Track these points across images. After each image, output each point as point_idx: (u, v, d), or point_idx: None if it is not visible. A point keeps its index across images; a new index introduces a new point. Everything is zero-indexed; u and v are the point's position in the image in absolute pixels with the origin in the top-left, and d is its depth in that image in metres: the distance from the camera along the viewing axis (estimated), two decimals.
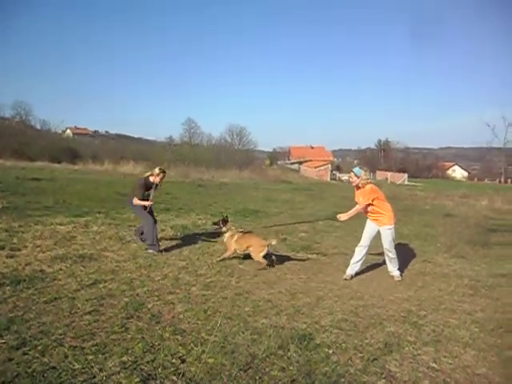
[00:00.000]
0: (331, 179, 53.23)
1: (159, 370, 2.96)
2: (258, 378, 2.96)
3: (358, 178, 5.89)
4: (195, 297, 4.66)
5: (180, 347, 3.34)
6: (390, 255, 6.08)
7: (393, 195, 22.19)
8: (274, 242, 6.37)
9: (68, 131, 71.78)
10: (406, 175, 54.92)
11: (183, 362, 3.13)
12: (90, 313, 3.92)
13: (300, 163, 66.67)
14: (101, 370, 2.90)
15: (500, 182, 69.00)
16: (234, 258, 6.41)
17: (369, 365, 3.28)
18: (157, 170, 6.73)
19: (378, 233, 6.00)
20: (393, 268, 6.18)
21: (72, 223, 8.00)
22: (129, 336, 3.49)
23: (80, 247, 6.37)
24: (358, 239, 9.12)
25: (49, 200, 11.00)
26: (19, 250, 5.96)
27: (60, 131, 59.51)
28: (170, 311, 4.16)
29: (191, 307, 4.30)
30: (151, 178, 6.73)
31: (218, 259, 6.30)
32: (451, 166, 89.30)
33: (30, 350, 3.10)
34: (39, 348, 3.15)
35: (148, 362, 3.06)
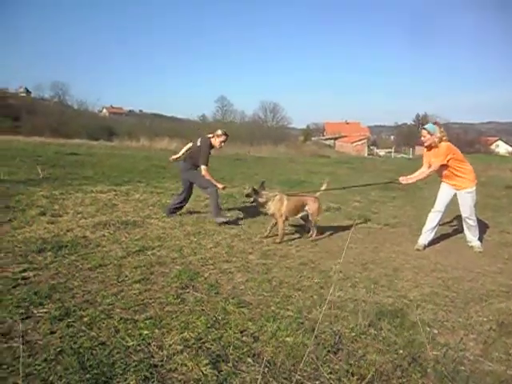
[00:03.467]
0: (368, 154, 51.77)
1: (230, 349, 2.39)
2: (353, 362, 2.35)
3: (432, 135, 5.05)
4: (255, 266, 4.08)
5: (249, 323, 2.77)
6: (470, 223, 5.29)
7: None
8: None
9: (104, 110, 72.66)
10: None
11: (256, 340, 2.55)
12: (139, 281, 3.41)
13: (335, 139, 64.87)
14: (160, 347, 2.36)
15: None
16: (288, 227, 5.80)
17: (488, 349, 2.60)
18: (219, 131, 5.87)
19: (454, 197, 5.22)
20: (472, 237, 5.40)
21: (113, 191, 7.60)
22: (187, 308, 2.94)
23: (123, 214, 5.92)
24: (418, 209, 8.38)
25: (88, 171, 10.72)
26: (60, 216, 5.57)
27: (96, 111, 60.28)
28: (228, 281, 3.60)
29: (252, 277, 3.72)
30: (212, 140, 5.89)
31: (278, 241, 5.09)
32: (495, 141, 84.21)
33: (74, 322, 2.61)
34: (85, 320, 2.65)
35: (214, 340, 2.50)
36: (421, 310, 3.18)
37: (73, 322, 2.60)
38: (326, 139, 67.35)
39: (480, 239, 5.51)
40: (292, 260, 4.37)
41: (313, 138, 67.60)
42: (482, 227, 6.56)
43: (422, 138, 5.19)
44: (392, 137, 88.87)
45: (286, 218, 5.32)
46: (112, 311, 2.81)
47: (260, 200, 5.18)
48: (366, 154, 51.04)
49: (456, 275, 4.17)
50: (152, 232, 5.11)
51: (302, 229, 5.72)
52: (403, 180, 5.28)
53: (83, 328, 2.53)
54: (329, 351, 2.45)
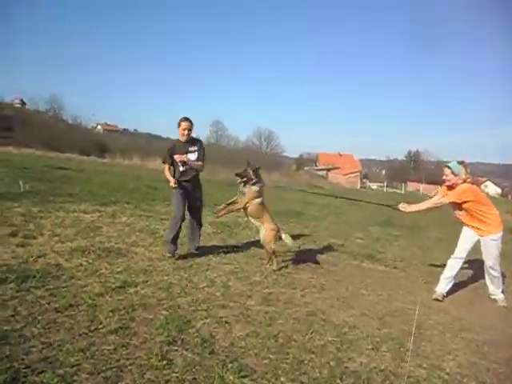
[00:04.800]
0: (361, 187, 51.83)
1: None
2: None
3: (456, 175, 4.56)
4: (255, 314, 3.44)
5: None
6: (494, 273, 4.75)
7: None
8: (286, 240, 5.12)
9: (99, 127, 72.10)
10: (439, 187, 52.36)
11: None
12: (116, 331, 2.75)
13: (328, 170, 64.94)
14: None
15: None
16: (290, 266, 5.22)
17: None
18: (179, 120, 4.95)
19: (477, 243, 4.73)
20: (495, 290, 4.84)
21: (98, 212, 6.94)
22: (174, 376, 2.29)
23: (106, 239, 5.26)
24: (425, 250, 7.85)
25: (74, 188, 10.03)
26: (34, 238, 4.90)
27: (90, 127, 59.66)
28: (226, 335, 2.96)
29: (254, 330, 3.09)
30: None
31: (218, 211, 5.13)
32: (484, 182, 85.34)
33: None
34: None
35: None
36: None
37: None
38: (319, 169, 67.38)
39: (502, 291, 4.96)
40: (298, 308, 3.74)
41: (305, 168, 67.63)
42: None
43: (444, 177, 4.72)
44: (383, 171, 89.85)
45: (244, 210, 5.06)
46: (76, 377, 2.15)
47: (251, 183, 4.94)
48: (358, 187, 50.92)
49: (488, 337, 3.58)
50: (137, 263, 4.46)
51: (302, 270, 5.12)
52: (403, 208, 4.88)
53: None
54: None
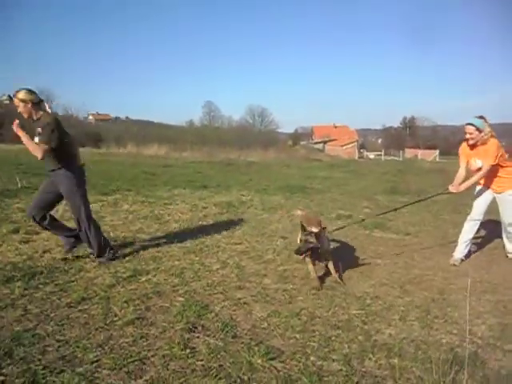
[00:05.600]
0: (359, 157, 51.60)
1: None
2: None
3: (481, 131, 4.33)
4: (274, 293, 3.33)
5: None
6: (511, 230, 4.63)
7: (439, 169, 20.69)
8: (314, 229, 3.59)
9: (90, 117, 71.29)
10: (437, 152, 52.12)
11: None
12: (132, 322, 2.64)
13: (325, 142, 64.52)
14: None
15: None
16: None
17: None
18: None
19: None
20: None
21: (99, 201, 6.79)
22: (199, 364, 2.18)
23: (111, 228, 5.13)
24: (434, 214, 7.74)
25: None
26: (37, 233, 4.76)
27: (82, 118, 58.88)
28: (246, 316, 2.85)
29: (275, 310, 2.98)
30: None
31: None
32: None
33: None
34: None
35: None
36: (501, 353, 2.47)
37: None
38: (316, 143, 66.91)
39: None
40: (316, 283, 3.63)
41: (302, 142, 67.14)
42: None
43: (468, 136, 4.43)
44: (380, 140, 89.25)
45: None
46: (97, 374, 2.04)
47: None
48: (356, 157, 50.69)
49: None
50: (145, 250, 4.34)
51: None
52: (454, 189, 4.54)
53: None
54: None
